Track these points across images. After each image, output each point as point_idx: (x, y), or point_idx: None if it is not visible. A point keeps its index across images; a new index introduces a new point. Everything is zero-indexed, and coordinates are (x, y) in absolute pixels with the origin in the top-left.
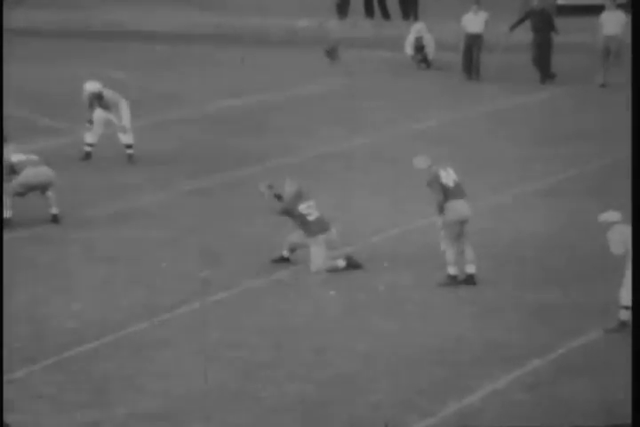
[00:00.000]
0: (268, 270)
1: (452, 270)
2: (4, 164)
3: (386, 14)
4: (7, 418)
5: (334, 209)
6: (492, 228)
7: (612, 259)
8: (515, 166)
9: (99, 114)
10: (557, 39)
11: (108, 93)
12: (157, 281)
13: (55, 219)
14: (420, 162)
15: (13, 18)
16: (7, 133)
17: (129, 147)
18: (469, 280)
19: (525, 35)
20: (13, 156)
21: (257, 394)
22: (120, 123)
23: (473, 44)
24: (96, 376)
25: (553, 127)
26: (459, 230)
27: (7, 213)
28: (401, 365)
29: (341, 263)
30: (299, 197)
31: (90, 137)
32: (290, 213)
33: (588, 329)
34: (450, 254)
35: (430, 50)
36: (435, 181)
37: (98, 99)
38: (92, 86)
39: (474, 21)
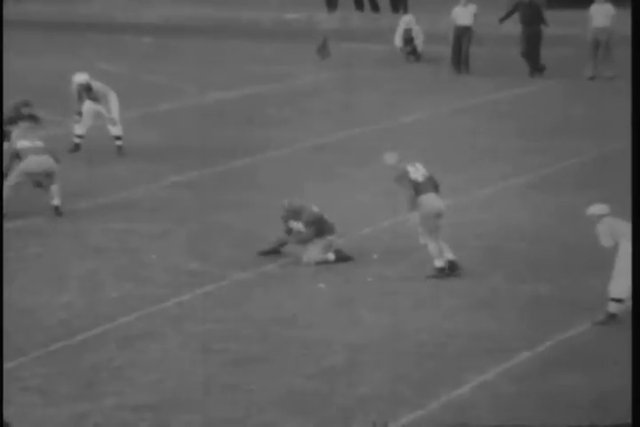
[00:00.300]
0: (256, 263)
1: (438, 263)
2: (10, 149)
3: (375, 7)
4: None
5: (325, 201)
6: (482, 220)
7: (601, 252)
8: (505, 159)
9: (88, 106)
10: (547, 32)
11: (97, 85)
12: (146, 273)
13: (57, 211)
14: (389, 158)
15: (4, 10)
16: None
17: (118, 139)
18: (454, 267)
19: (515, 27)
20: (19, 142)
21: (246, 386)
22: (109, 115)
23: (462, 36)
24: (85, 368)
25: (542, 120)
26: (434, 223)
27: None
28: (390, 357)
29: (331, 256)
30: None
31: (79, 129)
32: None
33: (578, 322)
34: (432, 247)
35: (419, 42)
36: (403, 177)
37: (87, 90)
38: (80, 78)
39: (463, 14)
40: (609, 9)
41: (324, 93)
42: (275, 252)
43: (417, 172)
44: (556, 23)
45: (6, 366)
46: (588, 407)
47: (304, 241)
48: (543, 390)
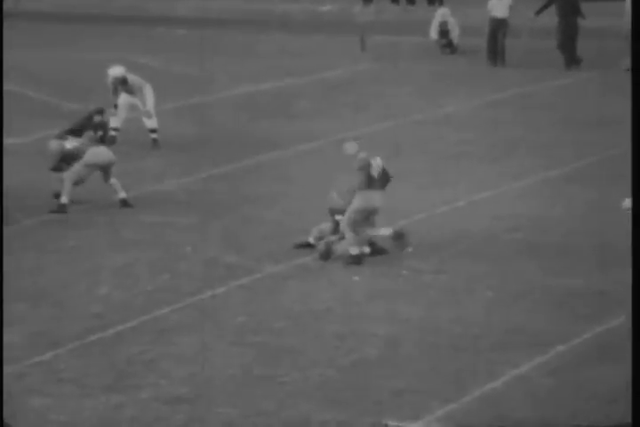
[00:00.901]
0: (291, 256)
1: (353, 251)
2: (58, 154)
3: None
4: (32, 402)
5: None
6: (516, 213)
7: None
8: (540, 152)
9: (123, 98)
10: (583, 23)
11: (133, 78)
12: (181, 266)
13: (126, 203)
14: (349, 148)
15: (36, 2)
16: (31, 116)
17: (153, 131)
18: (382, 251)
19: (551, 19)
20: (66, 143)
21: (280, 379)
22: (144, 107)
23: (498, 28)
24: (120, 360)
25: (578, 112)
26: (364, 218)
27: (64, 199)
28: (424, 350)
29: (366, 249)
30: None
31: (114, 121)
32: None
33: (612, 315)
34: (350, 237)
35: (455, 35)
36: (365, 169)
37: (122, 83)
38: (116, 71)
39: (499, 6)
40: None
41: (358, 86)
42: (309, 245)
43: (376, 168)
44: (593, 15)
45: (42, 357)
46: (622, 401)
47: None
48: (577, 384)
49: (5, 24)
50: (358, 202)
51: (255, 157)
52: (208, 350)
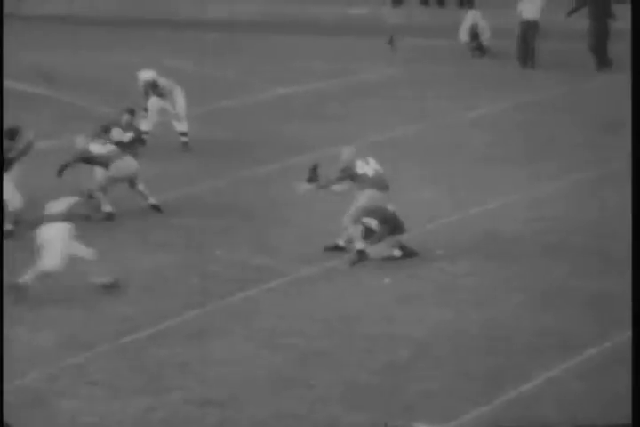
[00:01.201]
0: (322, 258)
1: (359, 245)
2: (80, 155)
3: (441, 2)
4: (63, 405)
5: (389, 196)
6: (546, 215)
7: None
8: (570, 154)
9: (154, 102)
10: (614, 26)
11: (163, 81)
12: (212, 268)
13: (157, 209)
14: (343, 153)
15: (68, 5)
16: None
17: (183, 135)
18: (412, 254)
19: (582, 21)
20: (91, 146)
21: (310, 381)
22: (175, 110)
23: (528, 31)
24: (151, 363)
25: (609, 114)
26: (361, 215)
27: (108, 208)
28: (454, 353)
29: (397, 252)
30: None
31: (145, 125)
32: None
33: None
34: (354, 231)
35: (485, 37)
36: (348, 171)
37: (153, 87)
38: (147, 75)
39: (530, 8)
40: None
41: (388, 89)
42: (339, 248)
43: (366, 166)
44: (625, 17)
45: (73, 360)
46: None
47: (378, 240)
48: (609, 387)
49: (33, 26)
50: (360, 201)
51: (286, 159)
52: (239, 352)
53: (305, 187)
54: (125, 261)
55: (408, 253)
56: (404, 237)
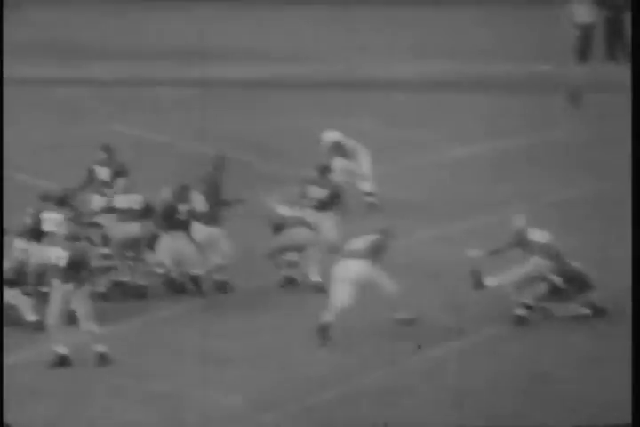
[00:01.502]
0: (509, 316)
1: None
2: (273, 218)
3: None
4: None
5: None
6: None
7: None
8: None
9: (338, 163)
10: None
11: (348, 142)
12: (399, 327)
13: None
14: (518, 220)
15: (246, 69)
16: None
17: (369, 195)
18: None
19: None
20: (280, 208)
21: None
22: (360, 171)
23: None
24: (340, 423)
25: None
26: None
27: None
28: None
29: (586, 310)
30: None
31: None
32: None
33: None
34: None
35: None
36: (519, 236)
37: (337, 148)
38: (332, 136)
39: None
40: None
41: (575, 147)
42: (528, 307)
43: (537, 233)
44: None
45: (263, 418)
46: None
47: (566, 299)
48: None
49: (215, 93)
50: (528, 267)
51: (471, 218)
52: (426, 412)
53: (476, 252)
54: (311, 319)
55: (597, 311)
56: (594, 295)
